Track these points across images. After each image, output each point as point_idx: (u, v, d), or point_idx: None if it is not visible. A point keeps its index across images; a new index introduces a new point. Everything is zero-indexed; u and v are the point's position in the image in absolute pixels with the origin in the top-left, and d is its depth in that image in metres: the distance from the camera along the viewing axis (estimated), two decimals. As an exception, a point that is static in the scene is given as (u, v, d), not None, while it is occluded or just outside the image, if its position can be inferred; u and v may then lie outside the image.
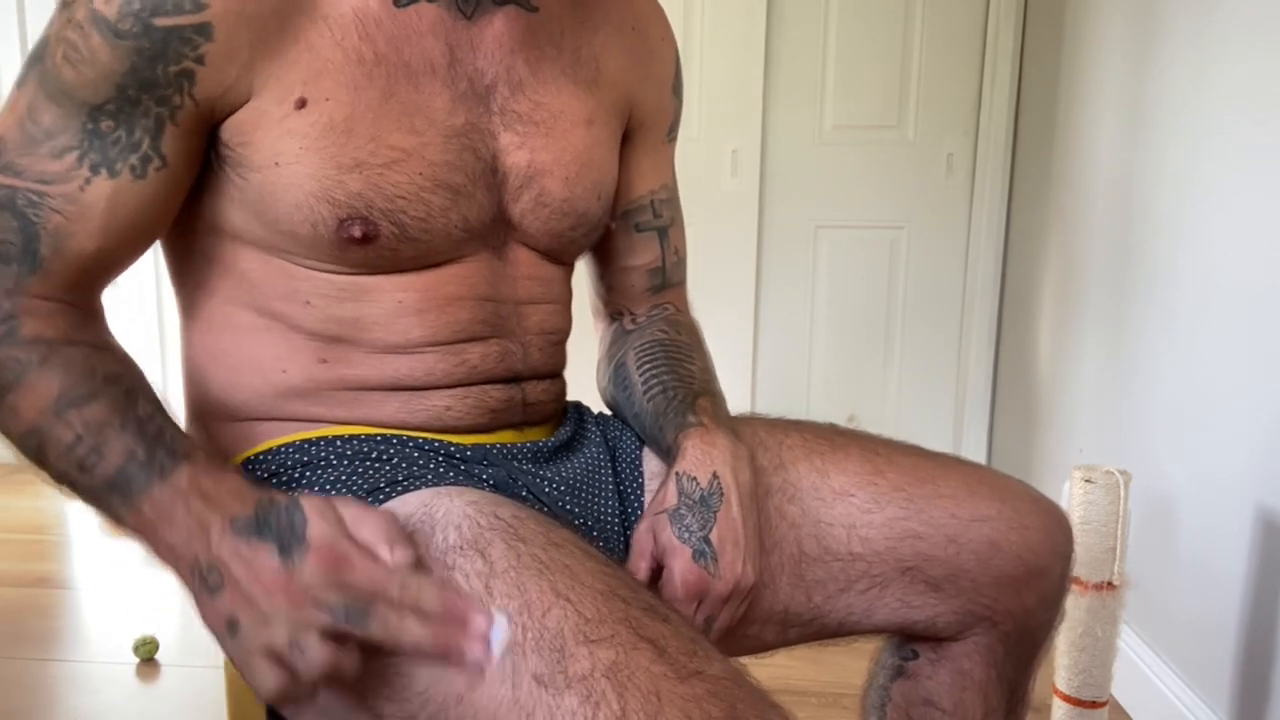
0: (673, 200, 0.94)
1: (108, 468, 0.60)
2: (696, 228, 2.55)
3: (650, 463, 0.87)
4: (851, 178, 2.55)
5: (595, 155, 0.81)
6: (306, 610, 0.54)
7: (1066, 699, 1.37)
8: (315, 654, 0.54)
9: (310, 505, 0.57)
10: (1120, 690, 1.61)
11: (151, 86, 0.63)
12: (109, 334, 0.70)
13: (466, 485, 0.71)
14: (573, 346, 0.87)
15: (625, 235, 0.91)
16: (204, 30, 0.63)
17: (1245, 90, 1.38)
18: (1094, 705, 1.36)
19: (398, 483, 0.69)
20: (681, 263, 0.95)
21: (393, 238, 0.69)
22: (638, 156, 0.89)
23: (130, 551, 2.28)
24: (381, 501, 0.67)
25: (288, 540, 0.56)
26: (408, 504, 0.66)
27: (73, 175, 0.64)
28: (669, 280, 0.94)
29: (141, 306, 2.76)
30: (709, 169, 2.53)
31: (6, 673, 1.71)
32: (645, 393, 0.84)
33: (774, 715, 0.56)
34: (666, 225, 0.93)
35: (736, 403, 0.86)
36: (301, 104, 0.67)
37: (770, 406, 1.57)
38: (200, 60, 0.64)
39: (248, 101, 0.66)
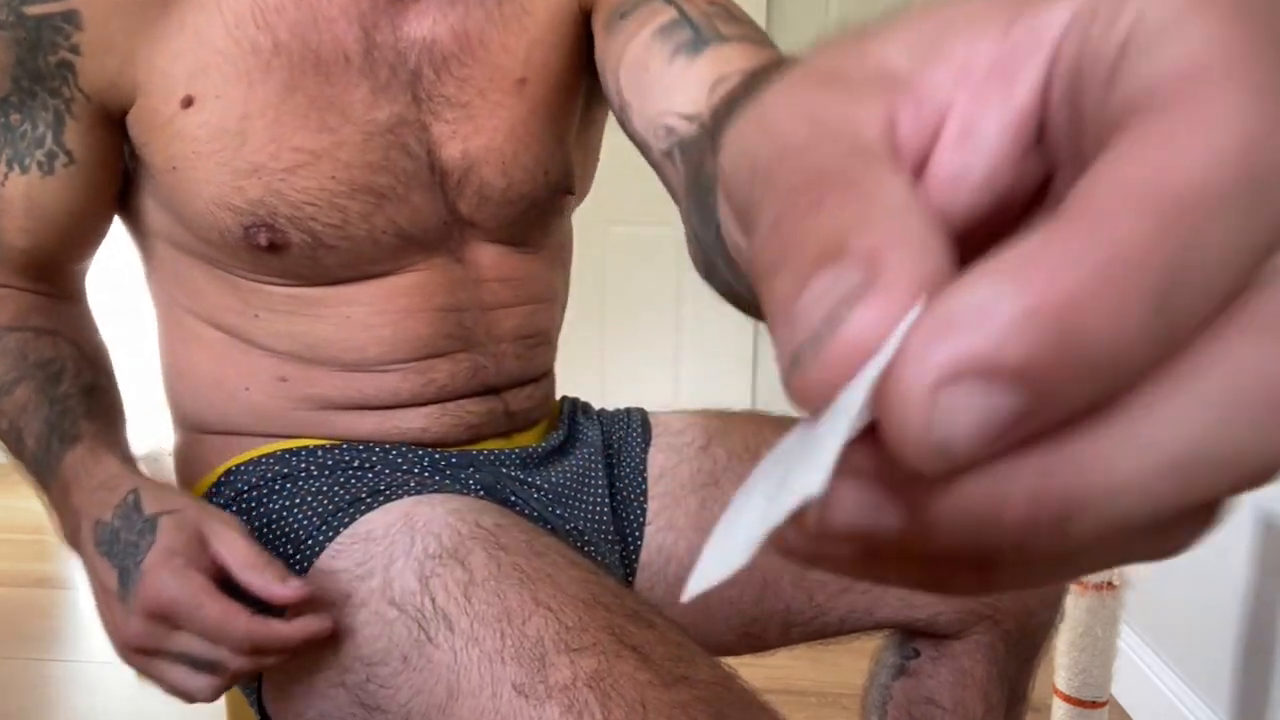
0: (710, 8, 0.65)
1: (30, 456, 0.63)
2: (696, 228, 2.55)
3: (655, 465, 0.84)
4: (851, 178, 2.55)
5: (531, 127, 0.70)
6: (147, 655, 0.57)
7: (1066, 699, 1.37)
8: (189, 685, 0.57)
9: (158, 545, 0.56)
10: (1120, 690, 1.61)
11: (40, 78, 0.63)
12: (72, 316, 0.71)
13: (450, 493, 0.69)
14: (567, 347, 0.86)
15: (609, 35, 0.65)
16: (71, 18, 0.61)
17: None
18: (1094, 705, 1.36)
19: (380, 492, 0.67)
20: (724, 12, 0.60)
21: (307, 246, 0.65)
22: (614, 34, 0.65)
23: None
24: (363, 512, 0.66)
25: (127, 572, 0.56)
26: (390, 513, 0.64)
27: None
28: (703, 35, 0.58)
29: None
30: (709, 169, 2.53)
31: (6, 673, 1.71)
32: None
33: (764, 719, 0.55)
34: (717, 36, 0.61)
35: (737, 402, 0.86)
36: (188, 102, 0.63)
37: (770, 406, 1.56)
38: (75, 50, 0.62)
39: (136, 98, 0.64)
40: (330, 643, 0.61)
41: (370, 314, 0.69)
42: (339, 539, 0.65)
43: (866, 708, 0.92)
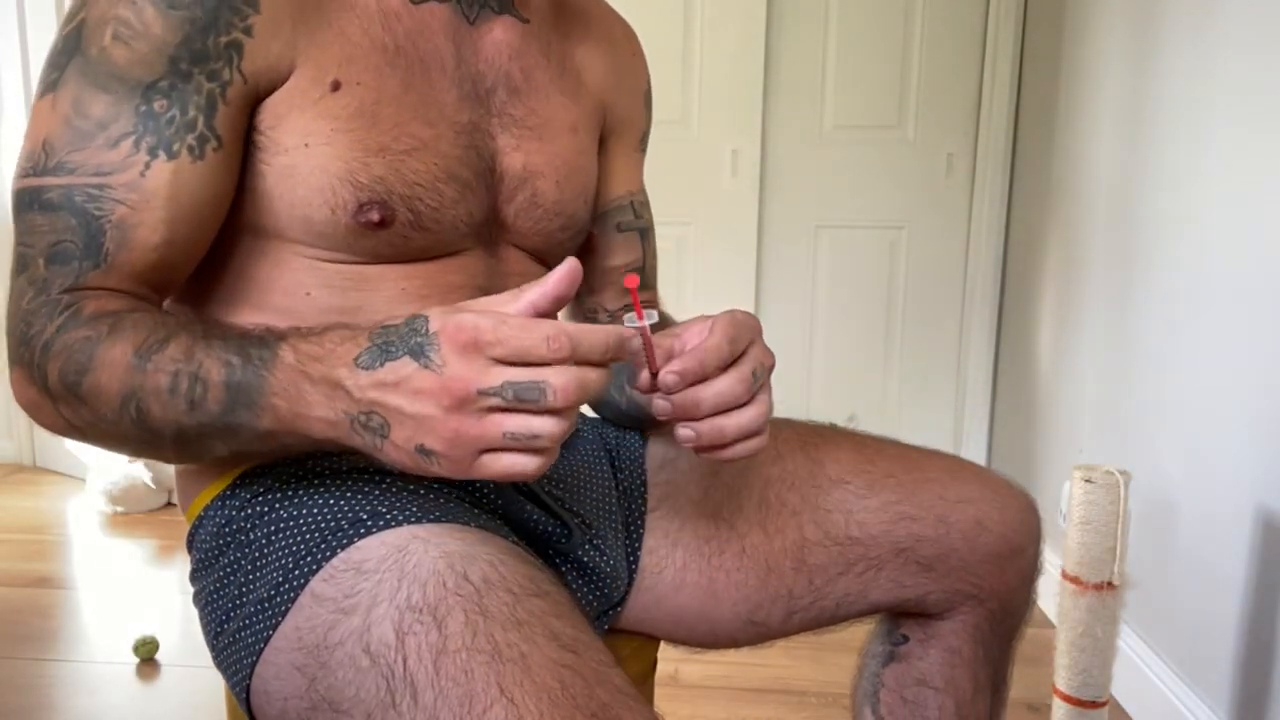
0: (648, 205, 0.97)
1: (216, 389, 0.59)
2: (696, 228, 2.56)
3: (654, 457, 0.88)
4: (851, 178, 2.55)
5: (581, 161, 0.84)
6: (480, 400, 0.53)
7: (1066, 699, 1.37)
8: (532, 427, 0.54)
9: (428, 310, 0.56)
10: (1120, 690, 1.61)
11: (203, 59, 0.64)
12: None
13: (453, 521, 0.68)
14: None
15: (605, 235, 0.93)
16: (252, 1, 0.65)
17: (1245, 90, 1.38)
18: (1094, 705, 1.36)
19: (380, 514, 0.67)
20: (655, 269, 0.98)
21: (406, 224, 0.71)
22: (612, 160, 0.92)
23: (130, 551, 2.28)
24: (362, 535, 0.65)
25: (418, 345, 0.54)
26: (385, 544, 0.64)
27: (132, 162, 0.64)
28: (645, 282, 0.96)
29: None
30: (709, 169, 2.53)
31: (6, 673, 1.71)
32: None
33: None
34: (647, 227, 0.95)
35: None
36: (336, 86, 0.69)
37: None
38: (248, 31, 0.65)
39: (287, 80, 0.68)
40: (306, 670, 0.61)
41: (423, 286, 0.74)
42: (334, 561, 0.64)
43: (858, 700, 0.94)
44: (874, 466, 0.85)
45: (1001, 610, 0.85)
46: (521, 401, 0.53)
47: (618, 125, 0.92)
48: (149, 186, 0.64)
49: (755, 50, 2.47)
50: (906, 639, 0.88)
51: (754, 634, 0.85)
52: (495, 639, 0.56)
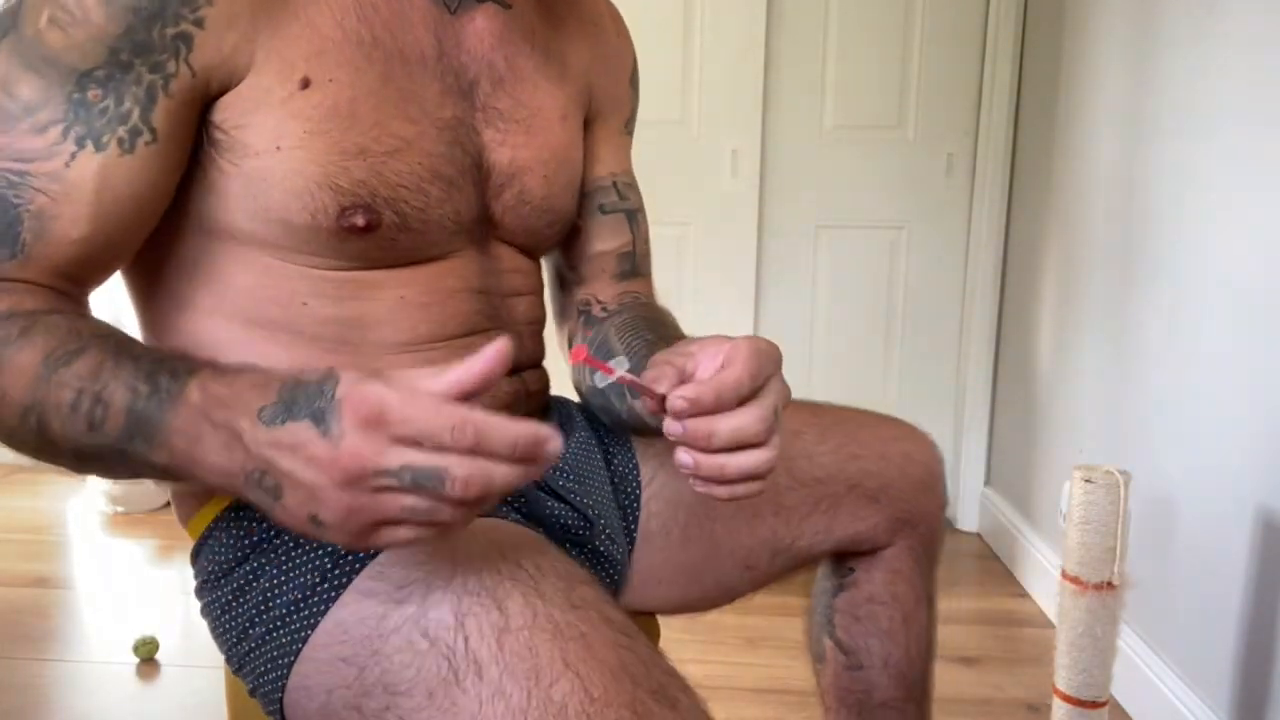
0: (636, 187, 0.95)
1: (117, 415, 0.55)
2: (697, 228, 2.56)
3: (642, 440, 0.91)
4: (851, 178, 2.54)
5: (571, 152, 0.84)
6: (375, 480, 0.49)
7: (1066, 699, 1.37)
8: (423, 507, 0.49)
9: (342, 370, 0.52)
10: (1120, 690, 1.61)
11: (146, 50, 0.61)
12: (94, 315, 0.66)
13: (490, 516, 0.69)
14: (548, 337, 0.90)
15: (590, 217, 0.91)
16: None
17: (1245, 90, 1.38)
18: (1094, 705, 1.36)
19: None
20: (649, 255, 0.96)
21: (393, 227, 0.69)
22: (596, 141, 0.92)
23: (130, 551, 2.28)
24: None
25: (320, 410, 0.50)
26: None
27: (56, 151, 0.60)
28: (638, 268, 0.94)
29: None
30: (709, 169, 2.53)
31: (6, 673, 1.71)
32: (626, 352, 0.83)
33: None
34: (634, 209, 0.94)
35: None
36: (305, 83, 0.65)
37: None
38: (199, 23, 0.62)
39: (246, 76, 0.64)
40: (355, 660, 0.61)
41: (422, 294, 0.73)
42: (380, 558, 0.64)
43: (813, 634, 1.01)
44: (821, 418, 0.94)
45: (929, 532, 0.96)
46: (419, 488, 0.49)
47: (602, 108, 0.91)
48: (72, 178, 0.61)
49: (755, 50, 2.47)
50: (853, 570, 0.96)
51: (749, 580, 0.92)
52: (555, 618, 0.58)
